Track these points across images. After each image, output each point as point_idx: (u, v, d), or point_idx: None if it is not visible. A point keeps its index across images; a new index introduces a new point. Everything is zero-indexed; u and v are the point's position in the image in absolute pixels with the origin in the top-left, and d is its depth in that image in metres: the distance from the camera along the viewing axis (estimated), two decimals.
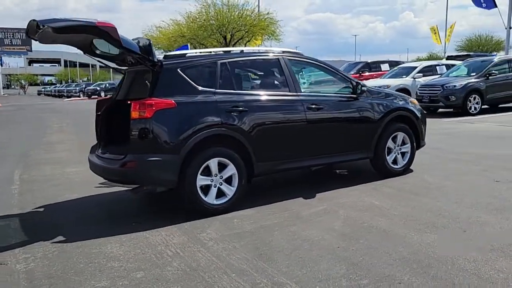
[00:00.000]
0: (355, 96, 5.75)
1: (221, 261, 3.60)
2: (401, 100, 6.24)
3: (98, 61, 5.49)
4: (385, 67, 21.72)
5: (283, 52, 5.52)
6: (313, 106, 5.37)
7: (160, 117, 4.47)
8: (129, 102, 4.66)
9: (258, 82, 5.45)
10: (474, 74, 14.24)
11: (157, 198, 5.65)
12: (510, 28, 17.86)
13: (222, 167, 4.78)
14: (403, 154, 6.23)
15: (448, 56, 23.20)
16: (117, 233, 4.31)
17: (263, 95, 5.17)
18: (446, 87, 13.85)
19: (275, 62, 5.37)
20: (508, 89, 14.26)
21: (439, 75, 16.24)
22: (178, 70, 4.73)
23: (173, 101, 4.55)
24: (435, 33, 38.62)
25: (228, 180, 4.84)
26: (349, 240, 3.92)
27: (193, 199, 4.64)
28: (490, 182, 5.68)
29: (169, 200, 5.45)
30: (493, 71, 14.12)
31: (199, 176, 4.64)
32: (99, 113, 5.54)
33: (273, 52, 5.49)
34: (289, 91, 5.31)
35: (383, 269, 3.32)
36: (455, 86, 13.73)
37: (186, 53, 4.95)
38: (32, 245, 4.13)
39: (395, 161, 6.16)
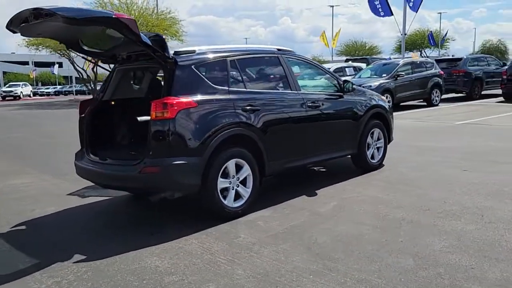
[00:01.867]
0: (341, 94, 5.91)
1: (286, 264, 3.48)
2: (375, 97, 6.55)
3: (83, 57, 4.94)
4: None
5: (279, 50, 5.48)
6: (313, 104, 5.42)
7: (182, 117, 4.17)
8: (147, 101, 4.26)
9: (264, 80, 5.33)
10: (385, 75, 15.44)
11: (150, 204, 5.27)
12: (405, 34, 19.69)
13: (238, 168, 4.61)
14: (378, 149, 6.56)
15: (346, 59, 24.87)
16: (142, 245, 3.93)
17: (271, 94, 5.10)
18: (363, 87, 14.79)
19: (276, 60, 5.31)
20: (413, 88, 15.75)
21: (349, 76, 17.31)
22: (193, 67, 4.45)
23: (193, 100, 4.27)
24: (323, 38, 41.02)
25: (243, 182, 4.68)
26: (389, 233, 4.03)
27: (214, 203, 4.40)
28: (459, 172, 6.22)
29: (168, 206, 5.10)
30: (401, 73, 15.46)
31: (220, 179, 4.42)
32: (83, 115, 4.99)
33: (272, 50, 5.42)
34: (291, 90, 5.30)
35: (448, 257, 3.47)
36: (370, 86, 14.73)
37: (196, 50, 4.66)
38: (51, 267, 3.59)
39: (372, 156, 6.46)
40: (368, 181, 5.92)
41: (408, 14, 19.46)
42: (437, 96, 16.53)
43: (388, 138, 6.71)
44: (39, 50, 32.91)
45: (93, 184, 5.94)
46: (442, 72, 16.86)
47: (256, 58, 5.21)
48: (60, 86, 63.17)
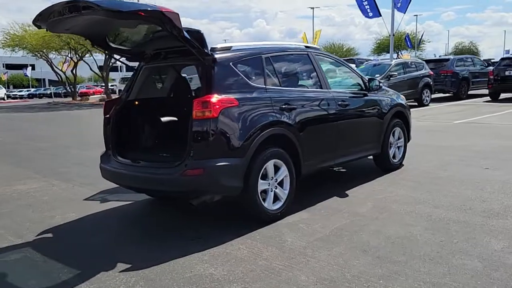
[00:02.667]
0: (366, 92, 5.80)
1: (349, 268, 3.32)
2: (395, 95, 6.46)
3: (108, 54, 4.68)
4: None
5: (307, 47, 5.33)
6: (342, 102, 5.28)
7: (225, 116, 3.97)
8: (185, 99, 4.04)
9: (296, 78, 5.16)
10: (378, 75, 15.45)
11: (177, 209, 5.04)
12: (393, 35, 19.84)
13: (275, 169, 4.43)
14: (398, 148, 6.47)
15: None
16: (186, 252, 3.71)
17: (304, 92, 4.95)
18: None
19: (306, 57, 5.16)
20: (405, 88, 15.81)
21: None
22: (231, 64, 4.25)
23: (235, 99, 4.07)
24: (304, 40, 41.24)
25: (280, 184, 4.51)
26: (441, 234, 3.91)
27: (254, 206, 4.21)
28: (481, 170, 6.18)
29: (197, 210, 4.88)
30: (393, 73, 15.53)
31: (260, 181, 4.23)
32: (108, 115, 4.73)
33: (301, 47, 5.26)
34: (321, 88, 5.15)
35: None
36: None
37: (231, 46, 4.46)
38: (96, 277, 3.34)
39: (394, 156, 6.36)
40: (395, 180, 5.82)
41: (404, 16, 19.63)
42: (428, 96, 16.69)
43: (408, 137, 6.63)
44: (15, 52, 31.93)
45: (110, 187, 5.75)
46: (431, 73, 17.02)
47: (288, 55, 5.03)
48: (34, 89, 61.47)
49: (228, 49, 4.38)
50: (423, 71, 16.67)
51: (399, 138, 6.44)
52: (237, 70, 4.26)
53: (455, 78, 18.28)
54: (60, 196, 5.76)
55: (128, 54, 4.76)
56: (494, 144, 8.14)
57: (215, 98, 3.93)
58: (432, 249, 3.59)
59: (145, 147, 5.00)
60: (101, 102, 29.54)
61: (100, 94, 46.34)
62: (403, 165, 6.59)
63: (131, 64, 4.94)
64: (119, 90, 33.10)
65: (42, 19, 3.88)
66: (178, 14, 3.68)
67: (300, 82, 5.10)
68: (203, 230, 4.26)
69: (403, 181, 5.79)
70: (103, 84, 59.28)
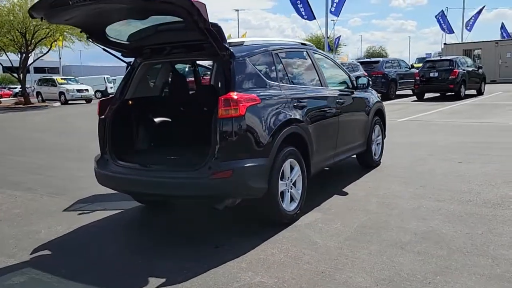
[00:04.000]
0: (353, 90, 5.83)
1: (399, 266, 3.25)
2: (374, 93, 6.57)
3: (103, 49, 4.25)
4: None
5: (302, 44, 5.23)
6: (340, 100, 5.26)
7: (250, 114, 3.75)
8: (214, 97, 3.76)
9: (300, 75, 5.01)
10: None
11: (178, 215, 4.71)
12: (327, 37, 20.46)
13: (290, 169, 4.28)
14: (377, 145, 6.59)
15: None
16: (217, 261, 3.44)
17: (310, 89, 4.84)
18: None
19: (306, 54, 5.06)
20: None
21: None
22: (247, 60, 4.03)
23: (257, 96, 3.87)
24: None
25: (294, 184, 4.36)
26: (462, 226, 3.99)
27: (275, 208, 4.03)
28: (456, 164, 6.47)
29: (199, 215, 4.60)
30: None
31: (279, 181, 4.06)
32: (103, 116, 4.29)
33: (298, 44, 5.14)
34: (321, 85, 5.08)
35: None
36: None
37: (243, 41, 4.24)
38: None
39: (374, 153, 6.47)
40: (382, 177, 5.90)
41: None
42: None
43: (384, 134, 6.78)
44: None
45: (84, 196, 5.34)
46: (366, 74, 17.75)
47: (291, 52, 4.90)
48: None
49: (240, 44, 4.16)
50: (358, 73, 17.32)
51: (378, 135, 6.56)
52: (253, 66, 4.06)
53: (385, 79, 19.25)
54: (33, 208, 5.13)
55: (125, 49, 4.35)
56: (452, 140, 8.58)
57: (240, 95, 3.70)
58: (464, 242, 3.64)
59: (146, 149, 4.61)
60: (17, 106, 27.27)
61: (9, 97, 42.84)
62: (380, 162, 6.72)
63: (127, 60, 4.51)
64: (37, 93, 30.85)
65: (43, 6, 3.42)
66: (205, 4, 3.42)
67: (303, 80, 4.99)
68: (220, 236, 3.99)
69: (390, 177, 5.89)
70: (11, 86, 54.95)
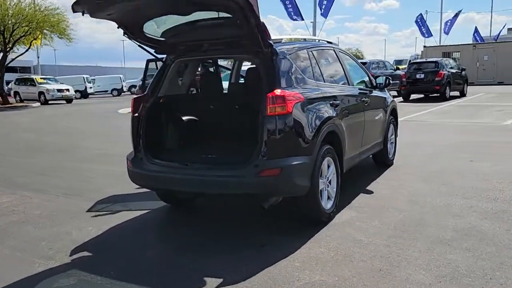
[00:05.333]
0: (372, 89, 5.86)
1: (454, 263, 3.26)
2: (388, 93, 6.62)
3: (139, 45, 4.15)
4: None
5: (329, 43, 5.23)
6: (365, 99, 5.28)
7: (296, 112, 3.71)
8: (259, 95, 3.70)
9: (331, 73, 4.99)
10: None
11: (204, 213, 4.64)
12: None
13: (327, 167, 4.27)
14: (391, 144, 6.64)
15: None
16: (269, 260, 3.38)
17: (341, 87, 4.84)
18: None
19: (333, 53, 5.06)
20: None
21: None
22: (288, 57, 4.00)
23: (301, 93, 3.84)
24: None
25: (329, 182, 4.35)
26: (500, 223, 4.02)
27: (316, 206, 4.00)
28: (469, 163, 6.58)
29: (225, 214, 4.54)
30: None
31: (319, 179, 4.05)
32: (137, 114, 4.19)
33: (325, 43, 5.14)
34: (348, 84, 5.09)
35: None
36: None
37: (282, 39, 4.20)
38: None
39: (389, 152, 6.52)
40: (400, 175, 5.94)
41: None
42: None
43: (396, 134, 6.84)
44: None
45: (102, 197, 5.26)
46: None
47: (323, 50, 4.89)
48: None
49: (279, 41, 4.12)
50: None
51: (391, 134, 6.61)
52: (294, 64, 4.03)
53: None
54: (53, 209, 4.97)
55: (158, 45, 4.26)
56: (454, 139, 8.73)
57: (287, 93, 3.67)
58: (509, 239, 3.68)
59: (177, 148, 4.52)
60: None
61: None
62: (393, 161, 6.78)
63: (160, 56, 4.42)
64: (15, 93, 30.03)
65: (88, 0, 3.32)
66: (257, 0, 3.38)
67: (334, 78, 4.97)
68: (261, 235, 3.95)
69: (408, 175, 5.94)
70: None
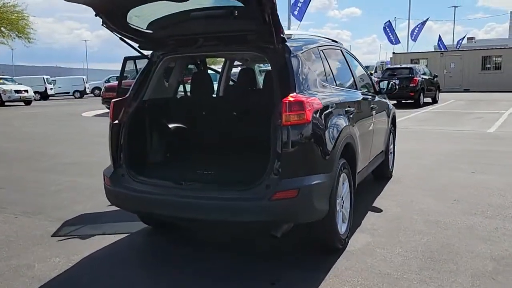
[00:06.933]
0: (375, 94, 5.32)
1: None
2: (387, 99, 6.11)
3: (121, 38, 3.43)
4: None
5: (333, 41, 4.65)
6: (373, 105, 4.73)
7: (315, 121, 3.10)
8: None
9: (342, 76, 4.37)
10: None
11: (194, 240, 3.95)
12: None
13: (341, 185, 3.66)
14: (390, 154, 6.12)
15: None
16: None
17: (352, 92, 4.26)
18: None
19: (341, 54, 4.47)
20: None
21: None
22: (300, 55, 3.37)
23: (318, 99, 3.22)
24: None
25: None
26: None
27: (333, 231, 3.40)
28: (471, 175, 6.16)
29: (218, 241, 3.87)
30: None
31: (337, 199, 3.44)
32: (117, 121, 3.47)
33: (330, 41, 4.54)
34: (356, 88, 4.52)
35: None
36: None
37: (292, 34, 3.57)
38: None
39: (389, 163, 6.00)
40: (406, 190, 5.41)
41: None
42: None
43: (394, 143, 6.35)
44: None
45: (70, 216, 4.52)
46: None
47: (332, 50, 4.29)
48: None
49: (289, 37, 3.49)
50: None
51: (390, 144, 6.10)
52: (307, 64, 3.41)
53: None
54: (11, 233, 4.15)
55: (144, 39, 3.55)
56: (445, 148, 8.35)
57: (305, 98, 3.04)
58: None
59: (164, 162, 3.82)
60: None
61: None
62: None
63: (145, 52, 3.70)
64: None
65: None
66: None
67: (343, 81, 4.36)
68: (270, 269, 3.30)
69: (413, 189, 5.43)
70: None
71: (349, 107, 3.79)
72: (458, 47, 45.92)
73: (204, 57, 4.28)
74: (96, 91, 38.59)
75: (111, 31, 3.32)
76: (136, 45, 3.60)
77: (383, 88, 5.41)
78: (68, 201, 5.18)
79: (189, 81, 4.34)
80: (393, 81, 5.49)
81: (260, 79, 5.16)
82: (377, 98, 5.26)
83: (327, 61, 3.87)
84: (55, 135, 11.98)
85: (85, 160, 7.79)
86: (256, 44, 3.28)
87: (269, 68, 3.60)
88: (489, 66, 31.21)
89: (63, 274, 3.28)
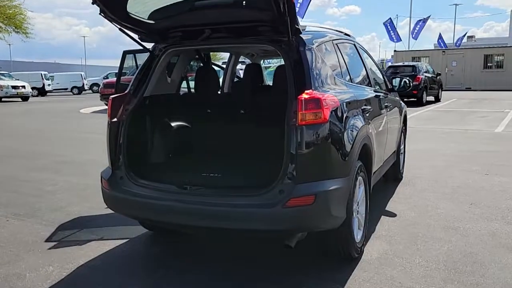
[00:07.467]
0: (388, 92, 5.05)
1: None
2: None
3: (120, 29, 3.16)
4: None
5: (346, 34, 4.37)
6: (387, 103, 4.46)
7: (333, 120, 2.84)
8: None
9: (356, 72, 4.09)
10: None
11: (193, 245, 3.69)
12: None
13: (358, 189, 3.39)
14: (401, 154, 5.85)
15: None
16: None
17: (368, 89, 4.00)
18: None
19: (354, 48, 4.20)
20: None
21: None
22: (316, 48, 3.11)
23: (335, 96, 2.96)
24: None
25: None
26: None
27: (348, 240, 3.13)
28: (484, 176, 5.90)
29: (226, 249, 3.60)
30: None
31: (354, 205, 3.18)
32: (116, 119, 3.20)
33: (343, 34, 4.27)
34: (370, 85, 4.26)
35: None
36: None
37: (305, 26, 3.30)
38: None
39: (400, 164, 5.73)
40: (419, 193, 5.15)
41: None
42: None
43: (404, 143, 6.08)
44: None
45: (65, 220, 4.27)
46: None
47: (347, 44, 4.01)
48: None
49: (303, 29, 3.21)
50: None
51: (402, 144, 5.83)
52: (322, 58, 3.14)
53: None
54: (3, 239, 3.87)
55: (144, 30, 3.27)
56: (454, 148, 8.12)
57: (323, 95, 2.78)
58: None
59: (165, 163, 3.55)
60: None
61: None
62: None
63: (147, 45, 3.42)
64: None
65: None
66: None
67: (359, 77, 4.09)
68: (283, 282, 3.04)
69: (426, 192, 5.18)
70: None
71: (365, 105, 3.52)
72: (458, 45, 45.66)
73: (209, 50, 4.01)
74: (95, 88, 38.28)
75: (110, 21, 3.04)
76: (136, 37, 3.32)
77: (396, 86, 5.14)
78: (63, 202, 4.92)
79: (192, 76, 4.08)
80: (406, 78, 5.20)
81: (264, 75, 4.90)
82: (390, 96, 5.00)
83: (342, 56, 3.60)
84: (52, 133, 11.70)
85: (83, 159, 7.52)
86: (268, 36, 3.02)
87: (272, 64, 3.35)
88: (491, 64, 30.98)
89: (56, 285, 3.01)
